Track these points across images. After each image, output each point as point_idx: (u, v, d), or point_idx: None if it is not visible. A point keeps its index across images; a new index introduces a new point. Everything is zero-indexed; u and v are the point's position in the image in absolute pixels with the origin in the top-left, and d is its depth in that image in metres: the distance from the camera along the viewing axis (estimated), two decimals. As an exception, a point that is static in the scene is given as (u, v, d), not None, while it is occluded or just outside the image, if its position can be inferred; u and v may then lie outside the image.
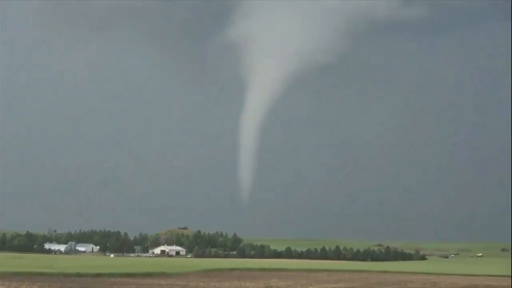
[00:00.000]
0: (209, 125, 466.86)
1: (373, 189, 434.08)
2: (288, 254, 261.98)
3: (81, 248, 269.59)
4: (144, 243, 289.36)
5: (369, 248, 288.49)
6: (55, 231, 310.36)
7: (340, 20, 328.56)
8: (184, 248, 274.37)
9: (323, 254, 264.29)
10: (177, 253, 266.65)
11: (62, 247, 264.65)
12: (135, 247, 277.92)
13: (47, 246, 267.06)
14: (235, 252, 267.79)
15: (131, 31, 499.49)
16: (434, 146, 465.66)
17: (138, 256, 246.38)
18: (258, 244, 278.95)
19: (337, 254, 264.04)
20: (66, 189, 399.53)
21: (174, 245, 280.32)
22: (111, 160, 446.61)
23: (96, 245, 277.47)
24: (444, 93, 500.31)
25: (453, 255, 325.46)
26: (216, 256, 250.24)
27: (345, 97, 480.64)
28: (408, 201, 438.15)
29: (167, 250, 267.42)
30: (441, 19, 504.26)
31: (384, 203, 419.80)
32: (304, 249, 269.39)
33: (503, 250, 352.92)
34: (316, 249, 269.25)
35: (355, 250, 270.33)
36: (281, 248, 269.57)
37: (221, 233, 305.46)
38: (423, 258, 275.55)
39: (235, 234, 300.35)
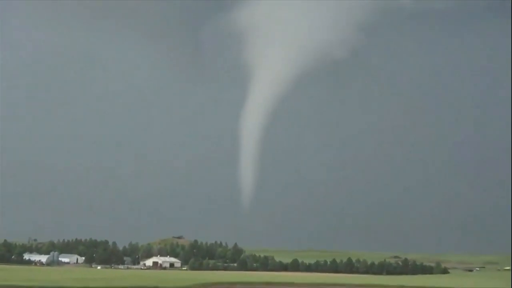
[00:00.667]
0: (207, 124, 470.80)
1: (388, 196, 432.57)
2: (295, 266, 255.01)
3: (64, 259, 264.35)
4: (135, 254, 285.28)
5: (384, 260, 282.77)
6: (35, 240, 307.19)
7: (346, 15, 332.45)
8: (179, 260, 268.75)
9: (334, 267, 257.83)
10: (171, 265, 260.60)
11: (43, 258, 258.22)
12: (125, 258, 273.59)
13: (26, 256, 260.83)
14: (235, 264, 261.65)
15: (125, 23, 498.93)
16: (454, 147, 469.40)
17: (128, 268, 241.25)
18: (262, 255, 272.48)
19: (349, 267, 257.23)
20: (48, 193, 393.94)
21: (168, 256, 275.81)
22: (99, 162, 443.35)
23: (81, 255, 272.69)
24: (447, 92, 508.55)
25: (478, 269, 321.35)
26: (215, 268, 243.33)
27: (345, 97, 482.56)
28: (428, 208, 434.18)
29: (160, 262, 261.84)
30: (442, 16, 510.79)
31: (401, 211, 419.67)
32: (312, 261, 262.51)
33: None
34: (325, 261, 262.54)
35: (369, 262, 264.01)
36: (287, 260, 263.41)
37: (220, 243, 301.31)
38: (445, 271, 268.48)
39: (235, 244, 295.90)
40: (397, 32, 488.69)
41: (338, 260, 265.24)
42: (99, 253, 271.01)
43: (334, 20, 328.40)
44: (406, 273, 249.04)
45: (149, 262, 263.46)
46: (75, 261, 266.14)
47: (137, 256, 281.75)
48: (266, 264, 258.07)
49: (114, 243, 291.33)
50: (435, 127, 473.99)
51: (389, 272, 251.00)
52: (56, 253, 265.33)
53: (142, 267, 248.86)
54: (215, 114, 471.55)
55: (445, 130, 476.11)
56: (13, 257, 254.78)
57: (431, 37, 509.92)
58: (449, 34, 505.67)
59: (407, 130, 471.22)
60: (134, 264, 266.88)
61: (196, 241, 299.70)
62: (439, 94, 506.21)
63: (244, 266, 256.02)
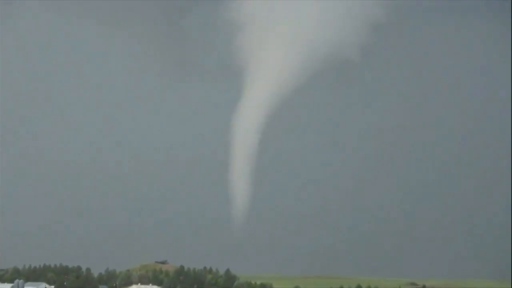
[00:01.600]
0: (194, 129, 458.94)
1: (401, 213, 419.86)
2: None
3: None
4: (112, 282, 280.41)
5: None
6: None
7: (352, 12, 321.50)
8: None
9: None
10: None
11: (6, 287, 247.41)
12: (100, 287, 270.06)
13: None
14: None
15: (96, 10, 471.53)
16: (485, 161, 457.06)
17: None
18: (258, 282, 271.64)
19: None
20: (11, 211, 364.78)
21: (150, 285, 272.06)
22: (71, 172, 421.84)
23: (50, 284, 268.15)
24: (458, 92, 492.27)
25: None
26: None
27: (350, 99, 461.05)
28: (449, 227, 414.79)
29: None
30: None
31: (416, 230, 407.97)
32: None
33: None
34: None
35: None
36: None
37: (210, 269, 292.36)
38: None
39: (228, 269, 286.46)
40: (404, 30, 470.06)
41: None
42: (71, 281, 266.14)
43: (340, 17, 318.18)
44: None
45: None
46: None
47: (114, 285, 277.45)
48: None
49: (88, 270, 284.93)
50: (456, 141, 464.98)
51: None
52: (21, 281, 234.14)
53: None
54: (204, 118, 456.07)
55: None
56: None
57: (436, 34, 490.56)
58: (451, 32, 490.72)
59: (423, 145, 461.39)
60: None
61: (182, 266, 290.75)
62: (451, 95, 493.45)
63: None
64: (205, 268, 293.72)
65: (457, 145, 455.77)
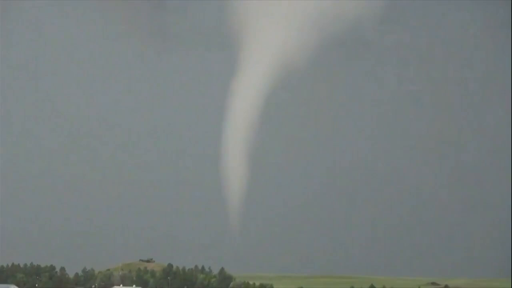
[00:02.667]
0: (181, 110, 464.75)
1: (419, 205, 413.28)
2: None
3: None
4: (90, 283, 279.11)
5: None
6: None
7: None
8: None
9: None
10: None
11: None
12: None
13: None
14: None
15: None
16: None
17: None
18: (257, 283, 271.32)
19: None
20: None
21: (134, 286, 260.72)
22: (44, 164, 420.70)
23: (19, 286, 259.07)
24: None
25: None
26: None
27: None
28: (471, 222, 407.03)
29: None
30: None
31: (434, 224, 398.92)
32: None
33: None
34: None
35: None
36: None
37: (203, 268, 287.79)
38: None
39: (222, 268, 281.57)
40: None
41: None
42: (43, 282, 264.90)
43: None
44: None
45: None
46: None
47: (93, 286, 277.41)
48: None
49: (62, 269, 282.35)
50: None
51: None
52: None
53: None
54: (191, 95, 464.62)
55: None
56: None
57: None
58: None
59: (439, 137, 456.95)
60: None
61: (170, 265, 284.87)
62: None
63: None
64: (196, 267, 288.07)
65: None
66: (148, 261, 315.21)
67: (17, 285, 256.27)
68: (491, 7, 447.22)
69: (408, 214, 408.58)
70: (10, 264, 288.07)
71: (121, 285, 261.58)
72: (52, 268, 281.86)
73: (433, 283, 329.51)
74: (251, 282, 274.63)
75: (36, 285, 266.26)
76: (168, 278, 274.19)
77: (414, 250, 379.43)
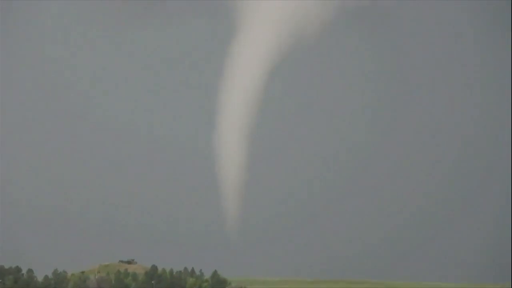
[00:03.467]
0: (170, 96, 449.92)
1: (439, 202, 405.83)
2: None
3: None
4: (62, 287, 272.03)
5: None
6: None
7: None
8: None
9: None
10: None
11: None
12: None
13: None
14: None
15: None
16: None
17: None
18: None
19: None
20: None
21: None
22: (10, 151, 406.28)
23: None
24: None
25: None
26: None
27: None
28: (471, 224, 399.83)
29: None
30: None
31: (437, 228, 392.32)
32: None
33: None
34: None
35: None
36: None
37: (193, 270, 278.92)
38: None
39: (215, 271, 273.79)
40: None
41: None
42: (7, 286, 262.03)
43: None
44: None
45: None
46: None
47: None
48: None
49: (30, 271, 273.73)
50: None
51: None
52: None
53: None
54: (181, 72, 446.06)
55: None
56: None
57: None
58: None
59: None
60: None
61: (155, 267, 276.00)
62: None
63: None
64: (185, 269, 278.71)
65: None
66: (129, 262, 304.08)
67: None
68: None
69: (411, 214, 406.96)
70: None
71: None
72: (18, 270, 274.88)
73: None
74: (248, 287, 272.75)
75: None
76: (152, 282, 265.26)
77: (413, 253, 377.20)
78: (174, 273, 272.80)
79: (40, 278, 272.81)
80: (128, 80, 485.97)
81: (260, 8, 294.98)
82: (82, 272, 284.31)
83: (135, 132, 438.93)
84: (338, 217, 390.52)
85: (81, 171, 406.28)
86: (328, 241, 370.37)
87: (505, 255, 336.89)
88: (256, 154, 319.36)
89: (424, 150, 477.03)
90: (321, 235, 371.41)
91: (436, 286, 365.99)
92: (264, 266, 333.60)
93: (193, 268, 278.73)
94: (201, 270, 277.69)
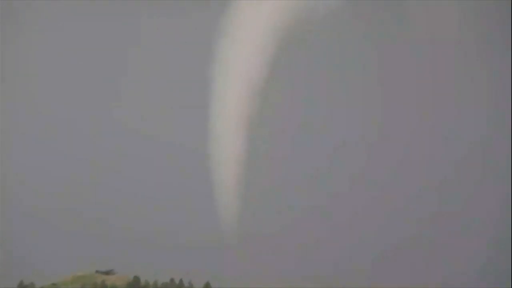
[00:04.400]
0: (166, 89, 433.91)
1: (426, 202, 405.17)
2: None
3: None
4: None
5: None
6: None
7: None
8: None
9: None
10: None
11: None
12: None
13: None
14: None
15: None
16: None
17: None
18: None
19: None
20: None
21: None
22: None
23: None
24: None
25: None
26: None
27: None
28: (471, 226, 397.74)
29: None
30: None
31: (439, 228, 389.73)
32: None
33: None
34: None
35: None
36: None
37: (181, 282, 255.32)
38: None
39: (208, 283, 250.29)
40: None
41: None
42: None
43: None
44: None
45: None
46: None
47: None
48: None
49: None
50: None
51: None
52: None
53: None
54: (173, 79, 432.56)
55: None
56: None
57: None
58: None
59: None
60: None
61: (137, 278, 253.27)
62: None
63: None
64: (172, 280, 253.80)
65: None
66: (107, 273, 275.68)
67: None
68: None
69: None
70: None
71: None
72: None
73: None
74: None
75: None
76: None
77: (412, 255, 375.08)
78: (159, 285, 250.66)
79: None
80: (117, 75, 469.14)
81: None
82: (53, 285, 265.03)
83: (121, 127, 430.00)
84: (339, 217, 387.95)
85: (54, 174, 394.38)
86: (331, 244, 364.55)
87: (505, 260, 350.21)
88: (255, 152, 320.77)
89: (424, 149, 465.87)
90: (326, 238, 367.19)
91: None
92: (266, 275, 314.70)
93: (181, 279, 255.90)
94: (190, 281, 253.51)
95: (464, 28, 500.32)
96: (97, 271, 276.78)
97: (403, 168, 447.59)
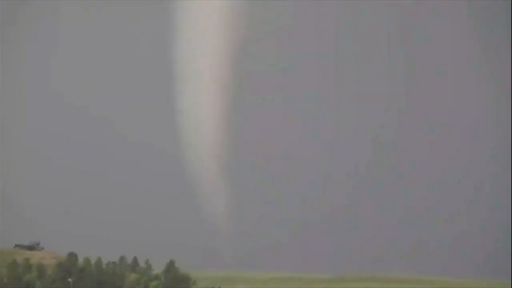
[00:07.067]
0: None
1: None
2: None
3: None
4: None
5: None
6: None
7: None
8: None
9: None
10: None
11: None
12: None
13: None
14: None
15: None
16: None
17: None
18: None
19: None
20: None
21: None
22: None
23: None
24: None
25: None
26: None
27: None
28: (471, 222, 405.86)
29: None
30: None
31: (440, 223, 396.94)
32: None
33: None
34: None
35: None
36: None
37: (134, 261, 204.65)
38: None
39: (171, 262, 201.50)
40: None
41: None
42: None
43: None
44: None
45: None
46: None
47: None
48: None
49: None
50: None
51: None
52: None
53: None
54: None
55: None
56: None
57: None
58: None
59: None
60: None
61: (74, 255, 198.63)
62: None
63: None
64: (122, 259, 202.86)
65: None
66: (31, 248, 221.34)
67: None
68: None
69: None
70: None
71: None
72: None
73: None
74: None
75: None
76: (69, 280, 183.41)
77: (413, 247, 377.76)
78: (105, 265, 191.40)
79: None
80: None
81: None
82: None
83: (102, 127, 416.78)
84: (336, 214, 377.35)
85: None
86: (325, 238, 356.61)
87: (505, 251, 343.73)
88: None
89: (423, 149, 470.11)
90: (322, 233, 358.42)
91: (437, 280, 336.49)
92: (250, 261, 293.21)
93: (135, 257, 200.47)
94: (148, 260, 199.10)
95: (464, 28, 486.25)
96: (16, 245, 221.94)
97: (403, 169, 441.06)
